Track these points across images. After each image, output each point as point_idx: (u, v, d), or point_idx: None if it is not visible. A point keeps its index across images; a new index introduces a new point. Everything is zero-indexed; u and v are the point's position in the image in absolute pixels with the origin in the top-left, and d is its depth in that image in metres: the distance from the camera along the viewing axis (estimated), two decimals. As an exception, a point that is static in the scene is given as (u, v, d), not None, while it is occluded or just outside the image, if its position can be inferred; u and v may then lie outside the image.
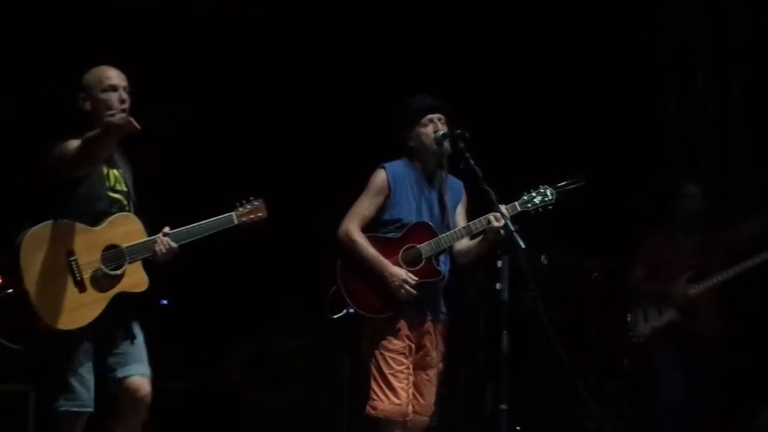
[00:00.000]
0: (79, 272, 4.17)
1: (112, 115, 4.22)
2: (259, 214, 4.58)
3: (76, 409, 4.25)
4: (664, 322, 6.08)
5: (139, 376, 4.31)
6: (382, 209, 4.85)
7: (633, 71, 7.41)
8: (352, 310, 4.82)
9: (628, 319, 6.17)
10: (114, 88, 4.29)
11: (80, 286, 4.17)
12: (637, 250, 6.30)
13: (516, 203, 4.79)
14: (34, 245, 4.12)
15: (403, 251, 4.80)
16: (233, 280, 7.30)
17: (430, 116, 4.87)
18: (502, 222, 4.66)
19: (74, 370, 4.22)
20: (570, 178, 4.87)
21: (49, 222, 4.17)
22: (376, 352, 4.79)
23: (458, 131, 4.81)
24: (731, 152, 7.33)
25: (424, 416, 4.88)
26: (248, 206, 4.56)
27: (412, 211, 4.85)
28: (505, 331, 4.69)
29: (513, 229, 4.61)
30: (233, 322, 7.26)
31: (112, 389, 4.32)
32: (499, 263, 4.75)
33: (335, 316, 4.83)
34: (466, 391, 6.99)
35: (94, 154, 4.14)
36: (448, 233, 4.82)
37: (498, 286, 4.75)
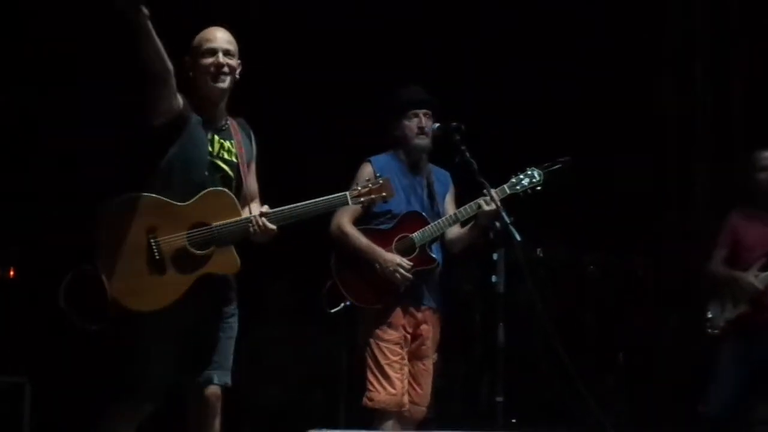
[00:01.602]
0: (159, 251, 3.85)
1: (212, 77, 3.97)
2: (383, 194, 4.32)
3: (137, 403, 4.02)
4: (737, 314, 5.53)
5: (213, 388, 4.03)
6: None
7: (632, 68, 7.41)
8: (349, 303, 4.81)
9: (708, 310, 5.63)
10: (213, 52, 3.99)
11: (159, 267, 3.86)
12: (720, 230, 5.72)
13: (505, 186, 4.83)
14: (113, 219, 3.86)
15: (396, 241, 4.82)
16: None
17: (415, 110, 4.91)
18: (493, 206, 4.70)
19: (143, 363, 3.96)
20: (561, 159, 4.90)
21: (132, 195, 3.89)
22: (372, 342, 4.81)
23: (453, 124, 4.85)
24: (730, 149, 7.32)
25: (421, 406, 4.89)
26: (370, 185, 4.31)
27: (402, 202, 4.87)
28: (500, 324, 4.70)
29: (509, 221, 4.62)
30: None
31: (184, 390, 4.07)
32: (495, 256, 4.77)
33: (333, 311, 4.82)
34: (462, 384, 7.00)
35: (146, 53, 3.74)
36: (439, 220, 4.85)
37: (493, 278, 4.77)
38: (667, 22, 7.65)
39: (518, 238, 4.56)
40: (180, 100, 3.95)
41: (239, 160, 4.06)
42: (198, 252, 3.91)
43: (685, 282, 7.30)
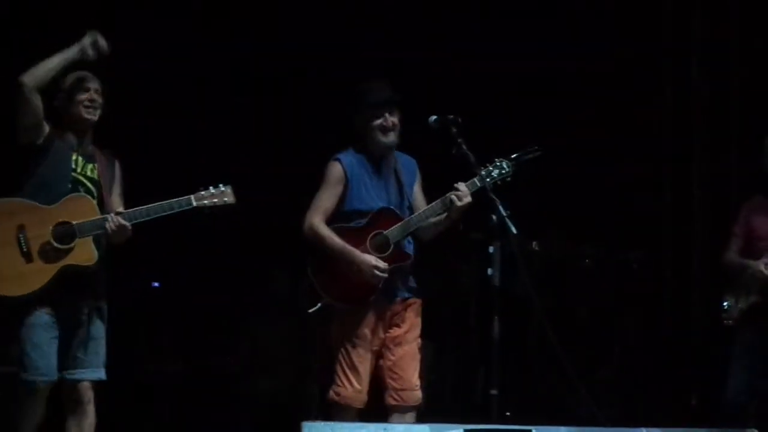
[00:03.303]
0: (27, 244, 4.52)
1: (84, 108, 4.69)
2: (225, 199, 4.75)
3: (33, 378, 4.55)
4: (749, 304, 5.48)
5: (86, 383, 4.66)
6: (341, 199, 4.90)
7: (629, 62, 7.40)
8: (322, 303, 4.84)
9: (724, 300, 5.57)
10: (86, 89, 4.69)
11: (27, 257, 4.52)
12: (735, 219, 5.69)
13: (475, 179, 4.80)
14: None
15: (371, 238, 4.84)
16: (223, 260, 7.32)
17: (380, 110, 4.90)
18: (465, 201, 4.74)
19: (32, 341, 4.54)
20: (525, 148, 4.91)
21: (4, 199, 4.59)
22: (344, 340, 4.85)
23: (451, 116, 4.84)
24: (727, 140, 7.32)
25: (412, 391, 4.91)
26: (212, 190, 4.75)
27: (372, 199, 4.90)
28: (496, 317, 4.70)
29: (505, 214, 4.62)
30: (223, 305, 7.28)
31: (63, 387, 4.67)
32: (491, 249, 4.77)
33: (310, 311, 4.85)
34: (457, 377, 7.01)
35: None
36: (413, 216, 4.88)
37: (489, 271, 4.77)
38: (664, 15, 7.64)
39: (514, 231, 4.55)
40: (46, 126, 4.63)
41: (101, 180, 4.71)
42: (61, 246, 4.55)
43: (680, 275, 7.33)
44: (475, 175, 4.77)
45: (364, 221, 4.86)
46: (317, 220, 4.85)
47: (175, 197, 4.70)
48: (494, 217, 4.67)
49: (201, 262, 7.21)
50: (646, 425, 4.39)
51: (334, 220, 4.89)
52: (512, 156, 4.89)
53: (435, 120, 4.88)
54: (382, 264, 4.77)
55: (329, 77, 7.03)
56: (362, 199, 4.88)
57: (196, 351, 7.31)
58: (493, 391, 4.68)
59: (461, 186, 4.77)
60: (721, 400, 5.61)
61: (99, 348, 4.70)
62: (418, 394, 4.94)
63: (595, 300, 7.16)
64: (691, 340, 7.13)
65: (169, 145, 7.02)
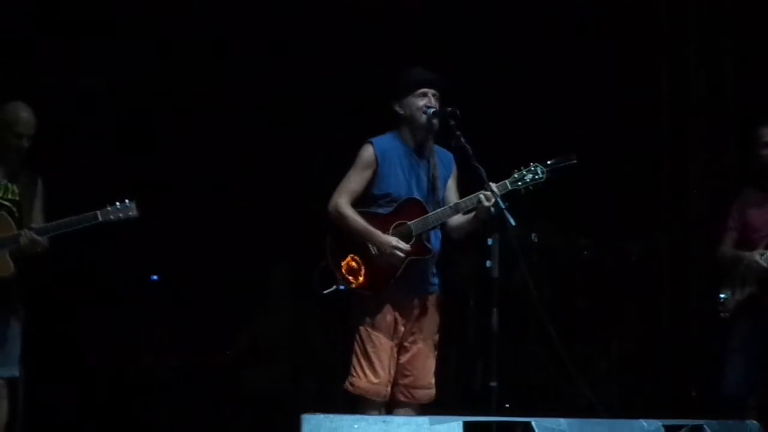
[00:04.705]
0: None
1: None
2: (129, 214, 5.09)
3: None
4: (746, 296, 5.50)
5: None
6: (370, 184, 4.81)
7: (627, 53, 7.40)
8: (342, 287, 4.78)
9: (720, 294, 5.59)
10: (19, 137, 5.07)
11: None
12: (728, 212, 5.72)
13: (506, 181, 4.73)
14: None
15: (394, 228, 4.75)
16: (222, 255, 7.33)
17: (424, 90, 4.83)
18: (492, 201, 4.63)
19: None
20: (560, 155, 4.85)
21: None
22: (361, 327, 4.78)
23: (449, 109, 4.79)
24: (725, 133, 7.32)
25: (423, 389, 4.86)
26: (118, 205, 5.07)
27: (401, 186, 4.81)
28: (494, 309, 4.70)
29: (503, 206, 4.60)
30: (223, 298, 7.29)
31: None
32: (490, 241, 4.76)
33: (325, 292, 4.79)
34: (456, 369, 7.01)
35: None
36: (438, 211, 4.77)
37: (488, 263, 4.76)
38: (662, 6, 7.64)
39: (513, 223, 4.53)
40: None
41: (21, 200, 5.10)
42: None
43: (678, 267, 7.33)
44: (475, 168, 4.73)
45: (390, 209, 4.79)
46: (343, 201, 4.76)
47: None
48: (493, 209, 4.66)
49: (200, 256, 7.22)
50: (645, 417, 4.39)
51: (360, 203, 4.82)
52: (548, 162, 4.79)
53: (432, 112, 4.84)
54: (403, 245, 4.67)
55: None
56: (392, 184, 4.79)
57: (194, 345, 7.32)
58: (493, 383, 4.69)
59: (491, 186, 4.65)
60: (720, 392, 5.62)
61: (13, 348, 5.02)
62: (431, 392, 4.90)
63: (594, 292, 7.15)
64: (690, 332, 7.14)
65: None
